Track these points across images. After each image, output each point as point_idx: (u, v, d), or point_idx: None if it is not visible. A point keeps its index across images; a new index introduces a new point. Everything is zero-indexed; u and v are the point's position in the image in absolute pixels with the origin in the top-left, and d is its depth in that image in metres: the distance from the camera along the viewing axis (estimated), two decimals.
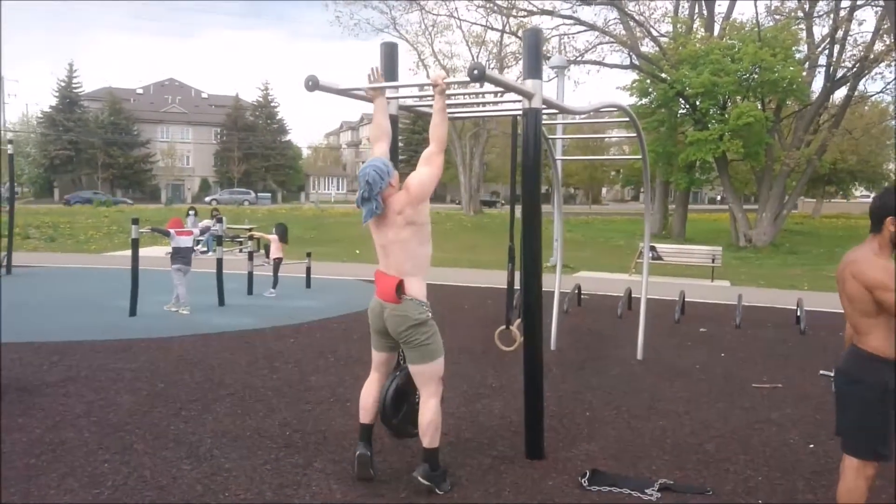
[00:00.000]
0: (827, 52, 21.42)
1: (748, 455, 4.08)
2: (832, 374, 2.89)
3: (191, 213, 16.76)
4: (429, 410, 3.46)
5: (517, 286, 5.44)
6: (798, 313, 8.19)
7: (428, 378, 3.47)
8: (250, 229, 14.57)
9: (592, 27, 23.09)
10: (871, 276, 2.63)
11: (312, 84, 3.53)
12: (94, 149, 53.50)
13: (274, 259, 14.30)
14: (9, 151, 12.37)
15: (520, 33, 25.01)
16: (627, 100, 22.61)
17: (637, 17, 22.86)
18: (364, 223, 3.41)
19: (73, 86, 55.78)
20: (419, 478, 3.43)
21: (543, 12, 23.19)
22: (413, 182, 3.33)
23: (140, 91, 64.88)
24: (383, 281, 3.44)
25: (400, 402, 3.60)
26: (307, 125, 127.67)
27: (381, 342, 3.60)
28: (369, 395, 3.63)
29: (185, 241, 8.59)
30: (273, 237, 14.31)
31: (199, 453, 3.90)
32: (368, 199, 3.30)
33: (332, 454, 3.93)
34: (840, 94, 22.99)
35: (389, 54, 4.12)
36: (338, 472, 3.67)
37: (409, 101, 4.74)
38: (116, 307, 8.32)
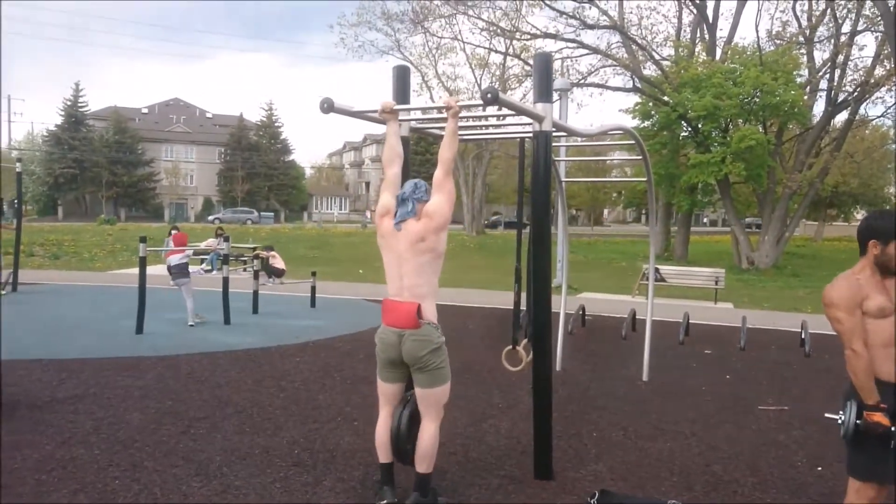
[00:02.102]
0: (828, 76, 21.59)
1: (756, 477, 4.09)
2: (839, 418, 2.79)
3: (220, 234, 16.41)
4: (429, 436, 3.44)
5: (523, 306, 5.48)
6: (802, 336, 8.20)
7: (434, 402, 3.47)
8: (255, 248, 14.62)
9: (595, 51, 23.32)
10: (826, 294, 2.68)
11: (328, 106, 3.60)
12: (98, 167, 53.81)
13: (277, 269, 14.66)
14: (17, 169, 12.46)
15: (523, 56, 25.29)
16: (630, 122, 22.77)
17: (639, 41, 23.09)
18: (398, 221, 3.39)
19: (79, 105, 56.25)
20: None
21: (547, 35, 23.43)
22: (432, 209, 3.35)
23: (145, 110, 65.42)
24: (398, 308, 3.40)
25: (413, 428, 3.54)
26: (310, 145, 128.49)
27: (392, 374, 3.54)
28: (384, 434, 3.55)
29: (173, 259, 8.89)
30: (272, 253, 14.47)
31: (208, 471, 3.92)
32: (407, 199, 3.36)
33: (341, 473, 3.94)
34: (841, 117, 23.14)
35: (401, 77, 4.20)
36: (347, 491, 3.69)
37: (421, 124, 4.81)
38: (123, 325, 8.35)
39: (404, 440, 3.52)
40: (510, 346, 5.64)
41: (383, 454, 3.54)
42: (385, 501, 3.45)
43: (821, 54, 22.70)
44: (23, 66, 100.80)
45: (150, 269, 8.59)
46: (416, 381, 3.48)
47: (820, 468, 4.27)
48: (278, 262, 14.88)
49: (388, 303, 3.48)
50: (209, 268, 16.38)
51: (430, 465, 3.44)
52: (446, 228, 3.42)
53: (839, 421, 2.74)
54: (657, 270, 12.71)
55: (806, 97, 21.14)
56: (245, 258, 14.95)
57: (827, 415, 2.89)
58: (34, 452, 4.11)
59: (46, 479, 3.72)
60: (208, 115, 68.25)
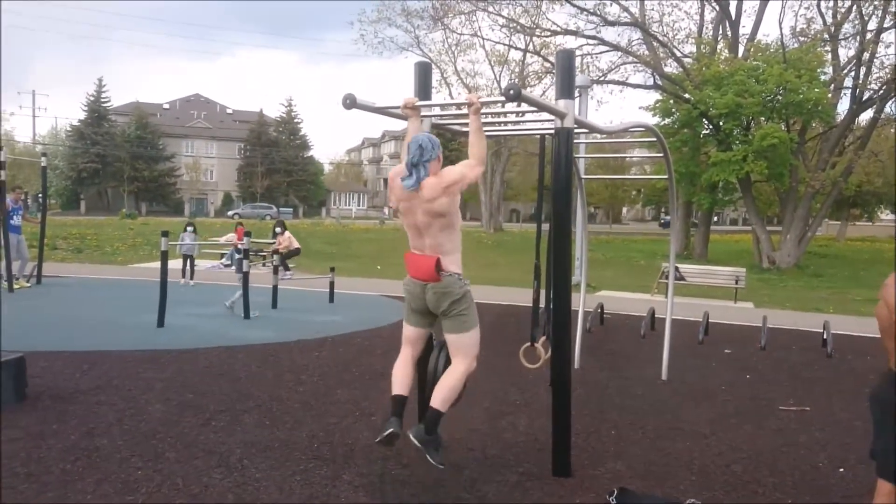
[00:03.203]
0: (853, 74, 21.29)
1: (776, 478, 4.05)
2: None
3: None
4: (453, 376, 3.53)
5: (542, 304, 5.46)
6: (824, 336, 8.10)
7: (462, 347, 3.56)
8: (272, 244, 14.71)
9: (616, 47, 23.18)
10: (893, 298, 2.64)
11: (350, 102, 3.61)
12: (120, 162, 54.46)
13: (292, 249, 14.85)
14: (42, 164, 12.64)
15: (543, 53, 25.20)
16: (650, 120, 22.60)
17: (661, 38, 22.92)
18: (408, 189, 3.41)
19: (102, 100, 56.94)
20: (411, 436, 3.44)
21: (567, 32, 23.33)
22: (445, 172, 3.43)
23: (166, 106, 66.06)
24: (418, 261, 3.50)
25: None
26: (329, 141, 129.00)
27: (417, 319, 3.68)
28: (403, 369, 3.69)
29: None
30: (286, 235, 14.56)
31: (229, 463, 3.96)
32: (418, 164, 3.39)
33: (360, 467, 3.96)
34: (866, 116, 22.83)
35: (423, 73, 4.20)
36: (366, 486, 3.71)
37: (441, 120, 4.82)
38: (144, 318, 8.45)
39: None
40: (528, 344, 5.65)
41: (396, 386, 3.66)
42: (390, 430, 3.49)
43: (846, 51, 22.40)
44: (47, 61, 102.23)
45: (172, 263, 8.69)
46: (443, 327, 3.61)
47: (842, 470, 4.22)
48: (294, 243, 14.95)
49: (409, 256, 3.59)
50: (228, 262, 16.51)
51: (445, 403, 3.50)
52: (458, 195, 3.43)
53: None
54: (677, 269, 12.62)
55: (830, 95, 20.85)
56: (264, 253, 15.03)
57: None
58: (58, 442, 4.18)
59: (71, 469, 3.78)
60: (228, 111, 68.78)
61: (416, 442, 3.44)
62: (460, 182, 3.41)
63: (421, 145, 3.41)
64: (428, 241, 3.48)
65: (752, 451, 4.51)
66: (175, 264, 11.99)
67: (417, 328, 3.72)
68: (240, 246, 9.41)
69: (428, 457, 3.46)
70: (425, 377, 3.84)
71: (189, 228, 13.87)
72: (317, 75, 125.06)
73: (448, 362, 3.67)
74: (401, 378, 3.68)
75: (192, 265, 13.07)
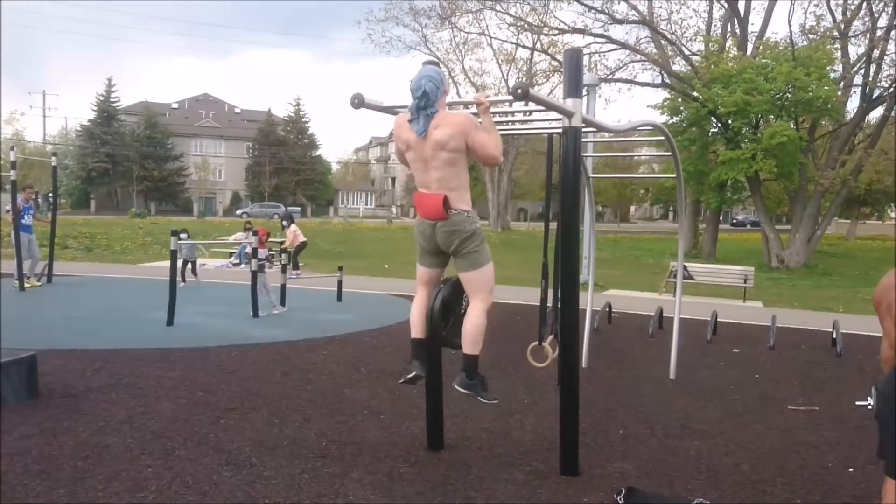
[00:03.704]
0: (863, 71, 21.16)
1: (785, 477, 4.04)
2: (868, 404, 2.82)
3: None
4: (474, 317, 3.57)
5: (550, 302, 5.47)
6: (834, 335, 8.07)
7: (478, 284, 3.61)
8: (282, 243, 14.76)
9: (624, 45, 23.13)
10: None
11: (358, 102, 3.63)
12: (129, 161, 54.80)
13: (299, 244, 14.78)
14: (52, 163, 12.73)
15: (550, 51, 25.16)
16: (658, 118, 22.54)
17: (669, 36, 22.85)
18: (420, 135, 3.42)
19: (111, 100, 57.28)
20: (457, 387, 3.55)
21: (574, 30, 23.29)
22: (476, 139, 3.41)
23: (175, 106, 66.37)
24: (427, 200, 3.52)
25: (447, 314, 3.73)
26: (337, 140, 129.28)
27: (430, 260, 3.72)
28: (420, 311, 3.76)
29: (262, 253, 9.64)
30: (294, 229, 14.57)
31: (238, 460, 3.98)
32: (425, 107, 3.39)
33: (369, 465, 3.98)
34: (876, 114, 22.67)
35: None
36: (374, 484, 3.72)
37: None
38: (154, 316, 8.50)
39: (437, 322, 3.70)
40: (536, 342, 5.66)
41: (415, 329, 3.73)
42: (413, 373, 3.56)
43: (856, 49, 22.27)
44: (58, 61, 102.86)
45: (181, 262, 8.75)
46: (456, 266, 3.65)
47: (852, 469, 4.21)
48: (299, 237, 14.97)
49: (417, 195, 3.61)
50: (237, 261, 16.59)
51: (476, 346, 3.55)
52: (463, 139, 3.42)
53: (869, 406, 2.74)
54: (685, 268, 12.58)
55: (840, 93, 20.73)
56: (273, 252, 15.08)
57: (857, 402, 2.88)
58: (70, 439, 4.22)
59: (82, 466, 3.82)
60: (237, 111, 69.04)
61: (462, 390, 3.54)
62: (475, 136, 3.40)
63: (425, 91, 3.36)
64: (434, 174, 3.47)
65: (760, 450, 4.50)
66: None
67: (430, 269, 3.76)
68: (262, 254, 9.39)
69: (480, 398, 3.58)
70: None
71: (183, 235, 12.22)
72: (325, 74, 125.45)
73: (443, 306, 3.72)
74: (418, 321, 3.74)
75: (194, 267, 12.65)
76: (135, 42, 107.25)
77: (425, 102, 3.38)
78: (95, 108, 56.42)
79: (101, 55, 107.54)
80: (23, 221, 11.06)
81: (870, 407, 2.76)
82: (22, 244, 10.87)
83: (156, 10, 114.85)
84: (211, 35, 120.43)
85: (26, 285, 10.86)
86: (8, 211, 11.70)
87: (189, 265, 12.53)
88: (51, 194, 13.67)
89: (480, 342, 3.58)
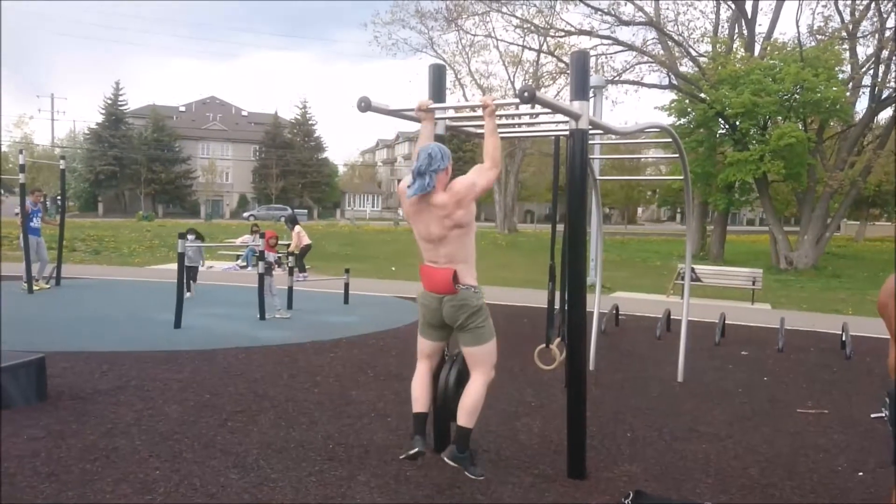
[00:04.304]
0: (871, 72, 21.06)
1: (794, 481, 4.02)
2: (884, 415, 2.76)
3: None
4: (474, 391, 3.54)
5: (557, 305, 5.45)
6: (843, 338, 8.02)
7: (480, 360, 3.58)
8: (288, 245, 14.80)
9: (630, 47, 23.08)
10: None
11: (365, 105, 3.63)
12: (137, 164, 55.02)
13: (303, 247, 14.64)
14: (61, 167, 12.79)
15: (557, 53, 25.14)
16: (666, 120, 22.48)
17: (676, 38, 22.79)
18: (410, 196, 3.40)
19: (119, 103, 57.57)
20: (446, 459, 3.49)
21: (581, 32, 23.26)
22: (461, 185, 3.40)
23: (182, 109, 66.63)
24: (434, 274, 3.50)
25: (460, 386, 3.68)
26: (343, 143, 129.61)
27: (433, 333, 3.70)
28: (422, 385, 3.71)
29: (271, 256, 9.71)
30: (298, 231, 14.56)
31: (245, 463, 3.99)
32: (424, 173, 3.36)
33: (375, 468, 3.97)
34: (885, 114, 22.55)
35: (437, 76, 4.22)
36: (381, 486, 3.72)
37: (455, 122, 4.82)
38: (161, 319, 8.53)
39: (451, 399, 3.65)
40: (543, 345, 5.64)
41: (417, 404, 3.67)
42: (415, 450, 3.49)
43: (864, 50, 22.17)
44: (66, 65, 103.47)
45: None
46: (460, 340, 3.62)
47: (861, 473, 4.17)
48: (304, 239, 14.95)
49: (424, 268, 3.59)
50: (244, 264, 16.64)
51: (471, 419, 3.51)
52: (472, 205, 3.42)
53: (884, 416, 2.69)
54: (693, 270, 12.54)
55: (848, 94, 20.63)
56: (280, 255, 15.10)
57: (873, 415, 2.84)
58: (78, 442, 4.23)
59: (90, 468, 3.83)
60: (244, 114, 69.26)
61: (451, 462, 3.48)
62: (472, 193, 3.40)
63: (430, 154, 3.39)
64: (443, 250, 3.47)
65: (769, 453, 4.48)
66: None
67: (433, 342, 3.73)
68: (270, 258, 9.44)
69: (467, 473, 3.51)
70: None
71: (190, 237, 10.67)
72: (331, 76, 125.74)
73: (458, 377, 3.68)
74: (420, 395, 3.69)
75: (195, 277, 11.07)
76: (143, 46, 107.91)
77: (426, 166, 3.35)
78: (103, 112, 56.68)
79: (109, 59, 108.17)
80: (31, 224, 11.13)
81: (885, 417, 2.70)
82: (30, 247, 10.93)
83: (163, 14, 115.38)
84: (218, 38, 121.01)
85: (35, 288, 10.92)
86: (17, 214, 11.78)
87: (191, 274, 10.90)
88: (59, 197, 13.74)
89: (476, 416, 3.53)
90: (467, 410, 3.51)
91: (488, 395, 3.69)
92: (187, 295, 9.68)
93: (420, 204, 3.44)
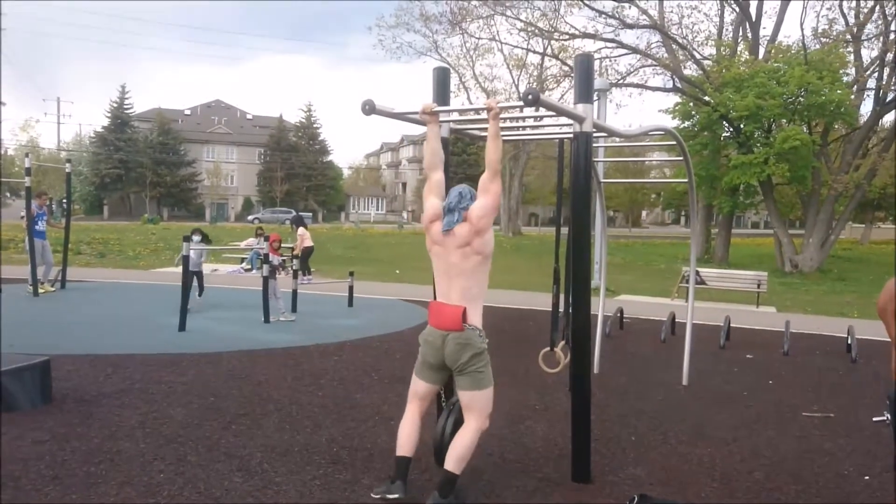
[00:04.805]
0: (876, 75, 21.00)
1: (800, 485, 4.00)
2: (886, 418, 2.74)
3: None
4: (466, 437, 3.44)
5: (561, 308, 5.45)
6: (849, 341, 7.99)
7: (476, 406, 3.49)
8: (293, 248, 14.82)
9: (635, 50, 23.07)
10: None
11: (369, 108, 3.63)
12: (142, 168, 55.18)
13: (305, 248, 14.61)
14: (67, 170, 12.84)
15: (561, 56, 25.13)
16: (670, 123, 22.45)
17: (680, 41, 22.77)
18: (443, 230, 3.46)
19: (125, 107, 57.78)
20: None
21: (585, 35, 23.28)
22: (475, 213, 3.42)
23: (188, 112, 66.82)
24: (444, 310, 3.47)
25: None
26: (348, 146, 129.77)
27: (430, 375, 3.60)
28: (410, 427, 3.60)
29: (276, 260, 9.78)
30: (303, 233, 14.57)
31: (249, 466, 3.99)
32: (454, 209, 3.43)
33: (379, 472, 3.97)
34: (890, 117, 22.49)
35: (442, 79, 4.22)
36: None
37: (460, 125, 4.82)
38: (166, 322, 8.54)
39: (448, 448, 3.53)
40: (547, 348, 5.63)
41: (401, 448, 3.56)
42: (396, 495, 3.40)
43: (869, 52, 22.13)
44: (72, 69, 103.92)
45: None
46: (458, 384, 3.54)
47: (867, 477, 4.15)
48: (306, 241, 14.94)
49: (434, 305, 3.56)
50: (249, 267, 16.66)
51: (459, 465, 3.41)
52: (490, 230, 3.48)
53: (886, 420, 2.67)
54: (697, 273, 12.51)
55: (853, 96, 20.58)
56: (284, 258, 15.11)
57: (875, 419, 2.82)
58: (82, 444, 4.24)
59: (95, 471, 3.83)
60: (249, 117, 69.41)
61: None
62: (487, 215, 3.43)
63: (461, 193, 3.48)
64: (458, 283, 3.45)
65: (774, 457, 4.46)
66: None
67: (428, 384, 3.63)
68: (274, 261, 9.45)
69: None
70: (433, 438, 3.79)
71: (196, 237, 9.84)
72: (336, 80, 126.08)
73: (455, 426, 3.60)
74: (407, 438, 3.57)
75: (201, 281, 10.29)
76: (148, 49, 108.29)
77: (457, 202, 3.45)
78: (109, 115, 56.89)
79: (115, 62, 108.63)
80: (37, 227, 11.16)
81: (887, 421, 2.69)
82: (36, 250, 10.96)
83: (168, 17, 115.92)
84: (223, 42, 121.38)
85: (40, 290, 10.95)
86: (22, 217, 11.82)
87: (196, 279, 9.98)
88: (65, 200, 13.77)
89: (465, 463, 3.44)
90: (456, 456, 3.40)
91: (494, 398, 3.68)
92: (192, 305, 9.16)
93: (445, 238, 3.47)
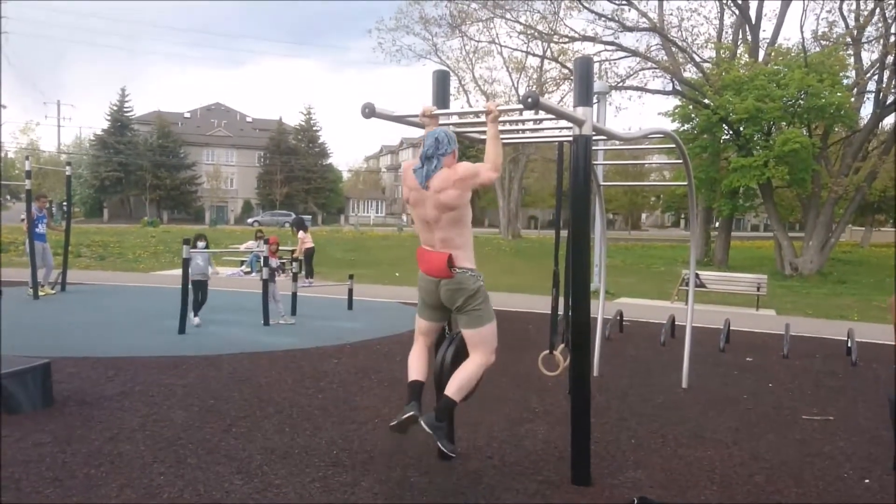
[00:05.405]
0: (876, 77, 21.02)
1: (800, 489, 4.00)
2: None
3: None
4: (470, 369, 3.56)
5: (561, 311, 5.45)
6: (849, 344, 7.99)
7: (479, 342, 3.59)
8: (293, 251, 14.82)
9: (634, 53, 23.07)
10: None
11: (369, 111, 3.64)
12: (142, 170, 55.20)
13: (307, 249, 14.59)
14: (67, 173, 12.84)
15: (560, 59, 25.15)
16: (669, 125, 22.46)
17: (679, 43, 22.78)
18: (420, 182, 3.48)
19: (125, 109, 57.81)
20: (422, 422, 3.49)
21: (585, 38, 23.27)
22: (461, 167, 3.47)
23: (187, 115, 66.87)
24: (431, 257, 3.54)
25: (456, 365, 3.69)
26: (347, 149, 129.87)
27: (431, 314, 3.74)
28: (419, 357, 3.75)
29: (274, 262, 9.79)
30: (304, 236, 14.57)
31: (249, 469, 3.99)
32: (432, 157, 3.46)
33: (379, 474, 3.97)
34: (890, 120, 22.49)
35: (442, 82, 4.23)
36: (385, 493, 3.71)
37: (460, 127, 4.83)
38: (166, 324, 8.54)
39: (447, 376, 3.66)
40: (547, 351, 5.63)
41: (412, 372, 3.72)
42: (408, 414, 3.52)
43: (869, 55, 22.14)
44: (73, 72, 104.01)
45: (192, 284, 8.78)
46: (458, 322, 3.66)
47: (867, 481, 4.15)
48: (306, 243, 14.95)
49: (421, 251, 3.64)
50: (248, 269, 16.66)
51: (460, 393, 3.52)
52: (467, 189, 3.46)
53: None
54: (697, 276, 12.51)
55: (853, 99, 20.60)
56: (284, 260, 15.12)
57: None
58: (83, 447, 4.24)
59: (95, 474, 3.83)
60: (248, 120, 69.46)
61: (426, 427, 3.49)
62: (472, 178, 3.45)
63: (437, 138, 3.47)
64: (438, 234, 3.52)
65: (774, 460, 4.46)
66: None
67: (431, 322, 3.77)
68: (273, 264, 9.47)
69: (438, 444, 3.54)
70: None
71: (200, 244, 9.01)
72: (336, 83, 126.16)
73: (455, 356, 3.70)
74: (416, 365, 3.73)
75: (204, 295, 9.00)
76: (148, 53, 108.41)
77: (433, 151, 3.45)
78: (109, 118, 56.93)
79: (115, 65, 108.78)
80: (37, 230, 11.16)
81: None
82: (36, 252, 10.96)
83: (169, 21, 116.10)
84: (224, 45, 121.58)
85: (40, 293, 10.95)
86: (23, 219, 11.82)
87: (199, 292, 8.92)
88: (65, 203, 13.77)
89: (466, 392, 3.54)
90: (457, 384, 3.52)
91: (492, 399, 3.69)
92: (197, 321, 8.68)
93: (423, 187, 3.50)
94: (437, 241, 3.52)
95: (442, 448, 3.54)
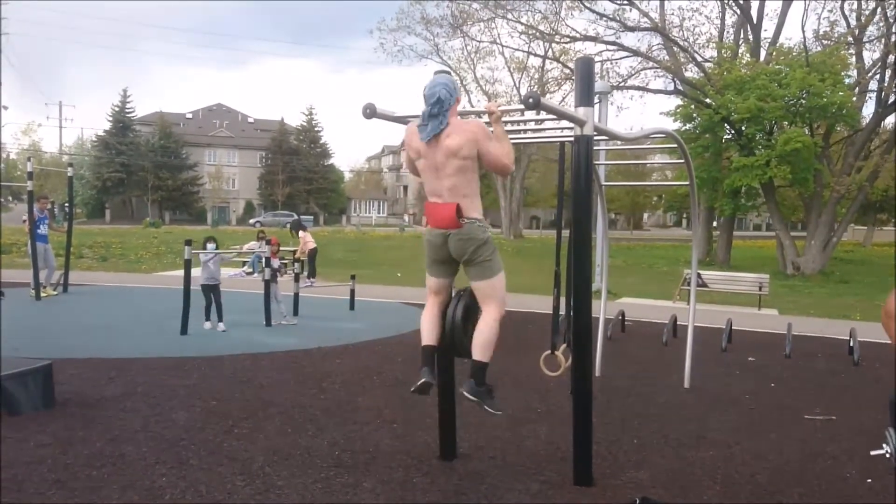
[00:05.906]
0: (878, 76, 21.00)
1: (803, 488, 3.99)
2: (886, 452, 2.64)
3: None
4: (486, 326, 3.59)
5: (562, 311, 5.44)
6: (851, 344, 7.98)
7: (490, 293, 3.62)
8: (294, 252, 14.82)
9: (636, 53, 23.06)
10: None
11: (370, 112, 3.64)
12: (144, 171, 55.24)
13: (310, 250, 14.57)
14: (69, 174, 12.86)
15: (562, 59, 25.16)
16: (671, 125, 22.45)
17: (681, 43, 22.76)
18: (424, 139, 3.47)
19: (127, 110, 57.87)
20: (465, 393, 3.53)
21: (586, 38, 23.27)
22: (475, 122, 3.49)
23: (189, 116, 66.93)
24: (439, 210, 3.53)
25: (468, 321, 3.71)
26: (349, 149, 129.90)
27: (440, 269, 3.74)
28: (431, 319, 3.76)
29: (275, 263, 9.61)
30: (305, 236, 14.58)
31: (252, 470, 3.99)
32: (437, 115, 3.43)
33: (382, 475, 3.97)
34: (892, 119, 22.48)
35: None
36: (387, 493, 3.71)
37: None
38: (168, 325, 8.54)
39: (460, 333, 3.69)
40: (549, 351, 5.63)
41: (425, 337, 3.73)
42: (423, 380, 3.55)
43: (870, 54, 22.13)
44: (75, 73, 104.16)
45: (195, 272, 8.78)
46: (468, 274, 3.66)
47: (870, 480, 4.15)
48: (308, 244, 14.95)
49: (429, 205, 3.63)
50: (250, 270, 16.66)
51: (486, 353, 3.55)
52: (473, 147, 3.45)
53: (887, 454, 2.58)
54: (699, 276, 12.50)
55: (855, 98, 20.58)
56: (286, 261, 15.12)
57: (872, 452, 2.77)
58: (85, 449, 4.24)
59: (97, 475, 3.83)
60: (250, 120, 69.50)
61: (470, 396, 3.52)
62: (480, 143, 3.43)
63: (439, 98, 3.42)
64: (446, 182, 3.50)
65: (777, 460, 4.46)
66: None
67: (440, 278, 3.78)
68: (275, 264, 9.47)
69: (486, 407, 3.57)
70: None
71: (210, 245, 8.82)
72: (338, 83, 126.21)
73: (465, 312, 3.71)
74: (429, 328, 3.75)
75: (219, 299, 8.69)
76: (150, 53, 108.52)
77: (438, 109, 3.43)
78: (111, 119, 57.00)
79: (117, 66, 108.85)
80: (39, 231, 11.18)
81: (888, 455, 2.61)
82: (38, 254, 10.98)
83: (171, 21, 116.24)
84: (225, 46, 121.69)
85: (42, 294, 10.97)
86: (24, 221, 11.84)
87: (212, 296, 8.68)
88: (67, 204, 13.79)
89: (491, 350, 3.59)
90: (481, 345, 3.55)
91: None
92: (209, 325, 8.60)
93: (428, 147, 3.50)
94: (445, 190, 3.51)
95: (489, 409, 3.58)
